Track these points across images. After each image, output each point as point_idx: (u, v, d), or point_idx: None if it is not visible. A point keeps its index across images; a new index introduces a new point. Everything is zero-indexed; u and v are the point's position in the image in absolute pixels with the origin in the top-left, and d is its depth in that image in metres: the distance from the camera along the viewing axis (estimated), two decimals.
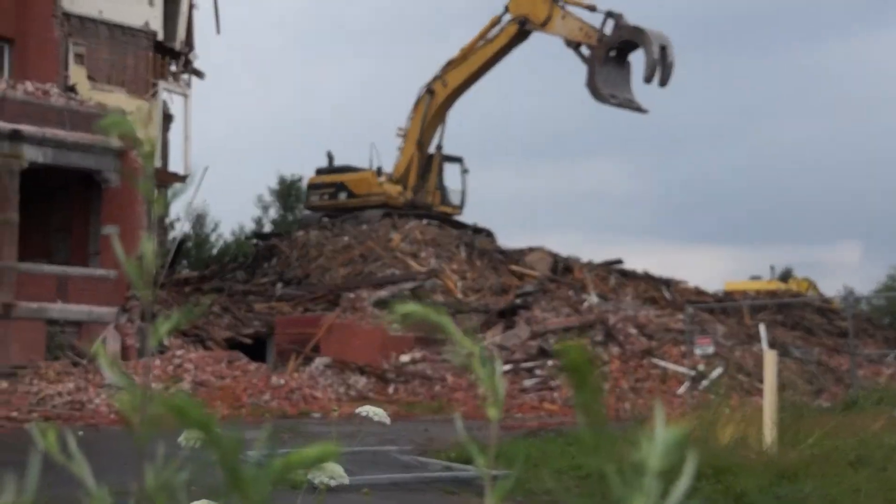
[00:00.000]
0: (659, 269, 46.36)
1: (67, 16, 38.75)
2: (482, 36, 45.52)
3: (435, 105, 46.38)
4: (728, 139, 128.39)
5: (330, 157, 49.13)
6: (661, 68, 42.52)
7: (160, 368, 32.58)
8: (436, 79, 46.48)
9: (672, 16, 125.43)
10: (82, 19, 39.29)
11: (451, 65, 46.17)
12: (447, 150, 48.44)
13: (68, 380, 30.07)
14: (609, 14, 43.17)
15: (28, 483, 1.18)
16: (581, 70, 43.21)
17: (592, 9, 43.46)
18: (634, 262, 46.78)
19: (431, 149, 47.43)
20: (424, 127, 46.63)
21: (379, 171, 47.57)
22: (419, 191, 47.23)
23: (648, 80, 42.65)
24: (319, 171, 49.13)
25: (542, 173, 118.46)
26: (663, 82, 42.67)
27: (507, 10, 45.06)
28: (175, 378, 31.78)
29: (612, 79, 43.17)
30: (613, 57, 43.18)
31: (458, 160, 48.73)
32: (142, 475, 1.15)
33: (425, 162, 47.29)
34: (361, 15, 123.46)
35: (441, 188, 47.91)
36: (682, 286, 45.66)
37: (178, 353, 34.36)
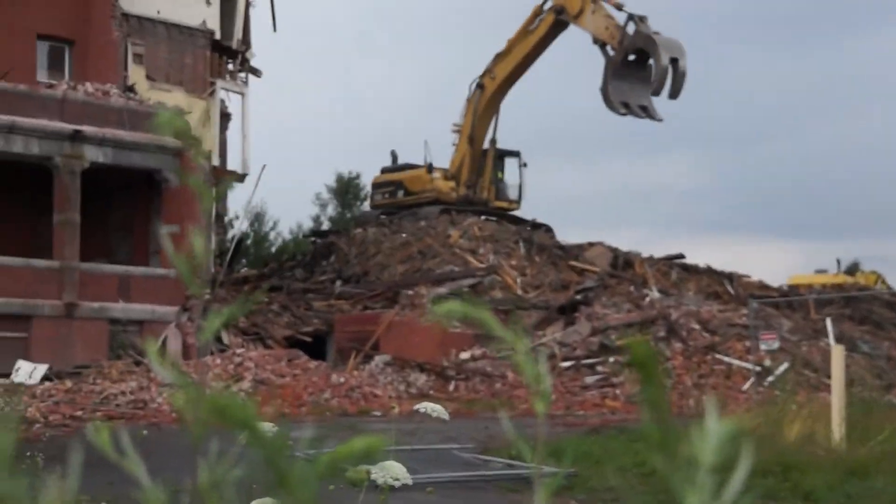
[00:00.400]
0: (722, 263, 46.01)
1: (126, 16, 39.03)
2: (525, 27, 45.46)
3: (485, 99, 46.40)
4: (795, 132, 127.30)
5: (394, 156, 49.41)
6: (673, 80, 42.20)
7: (221, 367, 32.74)
8: (485, 73, 46.53)
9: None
10: (141, 19, 39.55)
11: (498, 58, 46.18)
12: (507, 145, 48.40)
13: (131, 379, 30.27)
14: (630, 17, 42.80)
15: (70, 482, 1.16)
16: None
17: (619, 7, 43.15)
18: (697, 257, 46.47)
19: (486, 144, 47.39)
20: (476, 122, 46.62)
21: (430, 168, 47.69)
22: (473, 186, 47.19)
23: (656, 93, 42.31)
24: (384, 171, 49.57)
25: (603, 169, 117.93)
26: (673, 95, 42.33)
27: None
28: (236, 377, 31.92)
29: (628, 84, 42.81)
30: (633, 61, 42.85)
31: (515, 154, 48.64)
32: (196, 473, 1.14)
33: (479, 157, 47.27)
34: (419, 12, 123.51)
35: (496, 183, 47.81)
36: (746, 280, 45.14)
37: (239, 351, 34.54)
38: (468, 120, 46.84)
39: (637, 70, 42.76)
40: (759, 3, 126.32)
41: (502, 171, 48.56)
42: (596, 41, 43.44)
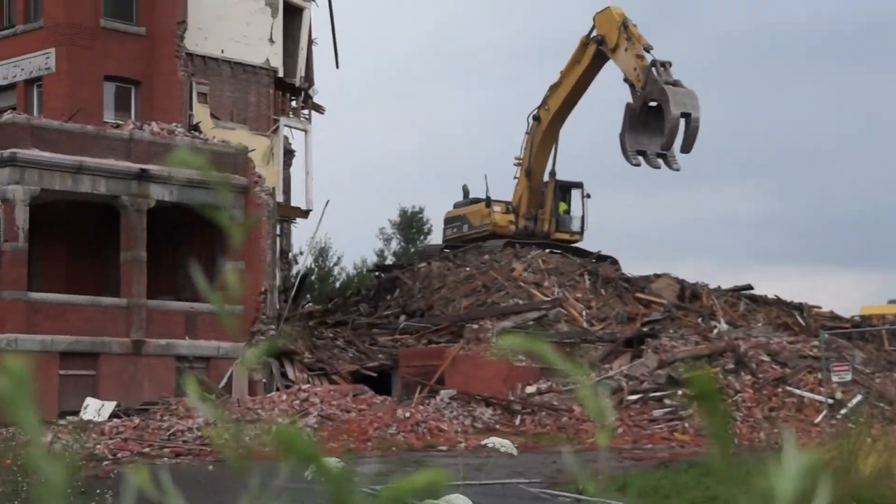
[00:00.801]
0: (791, 294, 45.46)
1: (191, 56, 39.42)
2: (574, 58, 45.51)
3: (541, 131, 46.47)
4: (865, 157, 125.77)
5: (465, 191, 49.54)
6: (685, 134, 41.99)
7: (287, 402, 32.80)
8: (540, 105, 46.61)
9: (811, 20, 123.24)
10: (205, 59, 39.95)
11: (551, 89, 46.28)
12: (572, 177, 48.35)
13: (198, 415, 30.42)
14: (653, 63, 42.63)
15: None
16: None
17: (648, 49, 43.03)
18: (765, 288, 45.95)
19: (546, 176, 47.39)
20: (533, 154, 46.68)
21: (489, 201, 47.76)
22: (534, 219, 47.16)
23: (665, 147, 42.13)
24: (455, 206, 49.75)
25: (668, 199, 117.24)
26: (685, 149, 42.16)
27: (593, 27, 45.04)
28: (301, 412, 31.99)
29: (648, 132, 42.64)
30: (654, 108, 42.69)
31: (577, 186, 48.55)
32: None
33: (539, 189, 47.26)
34: (481, 47, 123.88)
35: (556, 215, 47.70)
36: (816, 311, 44.56)
37: (305, 387, 34.60)
38: (526, 152, 46.90)
39: (657, 118, 42.62)
40: (828, 22, 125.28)
41: (568, 203, 48.47)
42: (626, 80, 43.46)
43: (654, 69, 42.66)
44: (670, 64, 43.18)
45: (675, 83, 42.62)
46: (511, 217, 47.29)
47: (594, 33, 44.88)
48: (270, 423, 30.43)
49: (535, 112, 47.02)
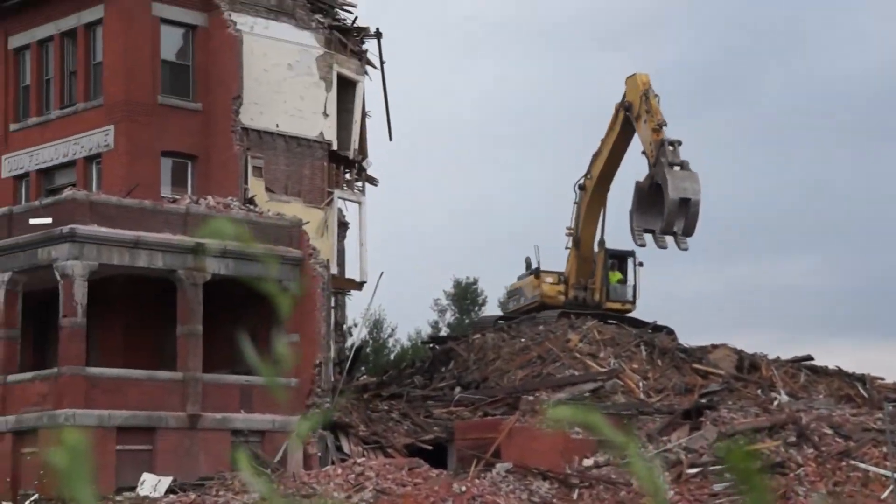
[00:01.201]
0: (853, 365, 44.92)
1: (246, 130, 39.81)
2: (611, 125, 45.73)
3: (586, 200, 46.63)
4: None
5: (527, 263, 49.58)
6: (686, 217, 41.95)
7: (342, 476, 32.79)
8: (585, 173, 46.76)
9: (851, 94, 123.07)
10: (260, 133, 40.33)
11: (593, 157, 46.46)
12: (628, 247, 48.31)
13: (253, 490, 30.41)
14: (663, 142, 42.74)
15: None
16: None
17: (661, 125, 43.08)
18: (826, 359, 45.46)
19: (596, 245, 47.38)
20: (581, 223, 46.81)
21: (537, 273, 47.95)
22: (584, 288, 47.09)
23: (664, 231, 42.21)
24: (518, 278, 49.90)
25: (727, 269, 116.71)
26: (687, 232, 42.26)
27: (624, 92, 45.22)
28: (357, 486, 31.96)
29: (656, 209, 42.80)
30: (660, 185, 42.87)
31: (629, 255, 48.42)
32: None
33: (590, 259, 47.26)
34: (533, 119, 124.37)
35: (606, 284, 47.58)
36: (880, 382, 43.97)
37: (360, 460, 34.57)
38: (575, 222, 47.06)
39: (663, 198, 42.72)
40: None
41: (624, 272, 48.30)
42: (643, 153, 43.60)
43: (664, 146, 42.73)
44: (680, 143, 43.28)
45: (682, 164, 42.68)
46: (560, 287, 47.33)
47: (624, 99, 45.12)
48: (326, 498, 30.44)
49: (580, 181, 47.21)
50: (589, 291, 47.19)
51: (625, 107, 44.97)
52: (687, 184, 42.51)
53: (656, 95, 44.10)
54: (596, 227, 47.41)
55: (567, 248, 47.87)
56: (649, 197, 43.22)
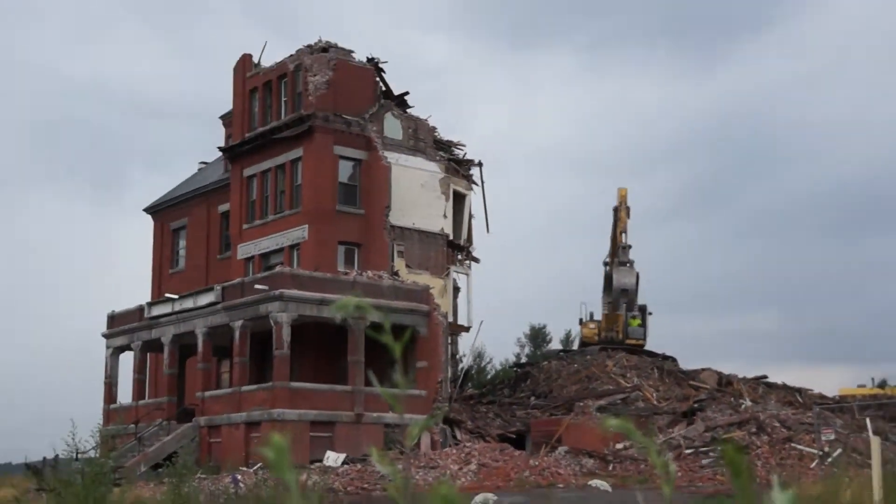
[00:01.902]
0: (794, 382, 44.27)
1: (393, 227, 40.20)
2: (613, 222, 45.98)
3: (607, 275, 46.48)
4: (850, 291, 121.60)
5: (591, 316, 48.49)
6: (626, 302, 42.59)
7: (456, 455, 32.96)
8: (607, 255, 46.76)
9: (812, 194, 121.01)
10: (402, 229, 40.62)
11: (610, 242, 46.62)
12: (650, 300, 48.11)
13: (398, 462, 30.80)
14: (618, 245, 42.66)
15: None
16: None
17: (624, 231, 42.44)
18: (776, 377, 44.65)
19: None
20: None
21: (581, 321, 47.58)
22: (611, 330, 46.75)
23: (611, 310, 42.16)
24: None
25: (710, 317, 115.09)
26: (630, 308, 42.10)
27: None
28: (466, 461, 32.15)
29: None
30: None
31: (643, 307, 47.84)
32: None
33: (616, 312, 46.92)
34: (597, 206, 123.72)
35: (624, 328, 46.75)
36: (810, 392, 43.27)
37: (467, 444, 34.77)
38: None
39: None
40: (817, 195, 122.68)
41: (642, 319, 47.77)
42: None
43: (617, 249, 42.57)
44: (630, 247, 42.94)
45: (629, 263, 42.41)
46: (595, 330, 47.01)
47: (615, 206, 44.97)
48: (444, 469, 30.78)
49: (605, 259, 47.07)
50: (614, 332, 47.01)
51: (614, 210, 45.08)
52: (626, 279, 42.37)
53: (628, 207, 43.92)
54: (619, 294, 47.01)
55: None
56: (607, 282, 43.37)
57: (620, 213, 43.86)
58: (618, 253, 42.72)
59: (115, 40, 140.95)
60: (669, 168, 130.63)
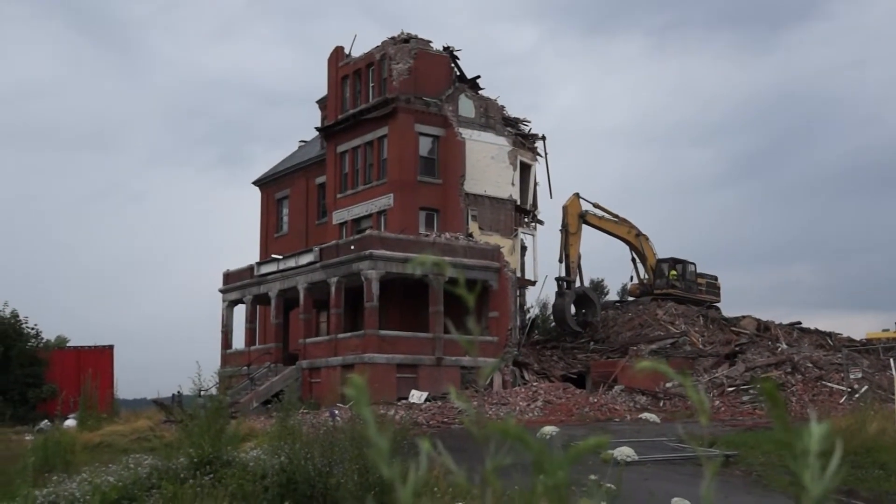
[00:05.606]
0: (824, 327, 43.10)
1: (467, 194, 40.10)
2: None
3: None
4: (878, 245, 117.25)
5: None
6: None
7: (524, 393, 32.95)
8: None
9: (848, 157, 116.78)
10: (476, 196, 40.49)
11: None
12: (686, 256, 46.94)
13: (473, 399, 30.94)
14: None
15: (421, 464, 1.15)
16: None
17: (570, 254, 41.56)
18: (809, 323, 43.36)
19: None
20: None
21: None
22: (653, 283, 45.33)
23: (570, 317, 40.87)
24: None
25: (755, 271, 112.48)
26: (594, 316, 41.09)
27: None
28: (533, 398, 32.14)
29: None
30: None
31: (687, 262, 46.02)
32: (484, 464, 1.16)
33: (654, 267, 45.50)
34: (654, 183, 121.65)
35: (665, 279, 44.84)
36: (839, 336, 42.09)
37: (534, 384, 34.76)
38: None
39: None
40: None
41: (680, 272, 45.60)
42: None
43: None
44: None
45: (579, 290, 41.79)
46: (639, 287, 45.65)
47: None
48: (513, 406, 30.80)
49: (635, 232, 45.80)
50: (659, 284, 44.88)
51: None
52: (591, 296, 41.59)
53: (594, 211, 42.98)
54: (653, 254, 45.35)
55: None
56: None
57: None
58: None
59: (244, 38, 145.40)
60: (719, 142, 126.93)
